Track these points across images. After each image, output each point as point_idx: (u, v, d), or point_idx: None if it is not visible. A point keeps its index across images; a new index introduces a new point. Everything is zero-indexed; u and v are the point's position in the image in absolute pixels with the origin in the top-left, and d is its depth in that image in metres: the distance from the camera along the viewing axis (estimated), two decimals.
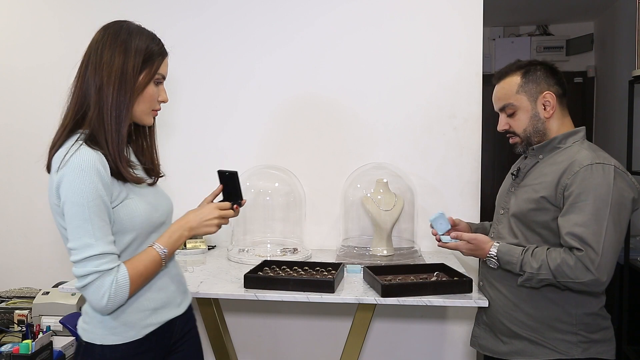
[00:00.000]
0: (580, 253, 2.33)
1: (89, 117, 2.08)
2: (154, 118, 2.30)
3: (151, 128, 2.35)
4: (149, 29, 2.26)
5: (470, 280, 2.87)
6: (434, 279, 3.03)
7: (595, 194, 2.36)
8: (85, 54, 2.21)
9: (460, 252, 2.75)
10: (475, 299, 2.77)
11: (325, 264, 3.29)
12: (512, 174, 2.81)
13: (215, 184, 2.46)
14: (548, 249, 2.46)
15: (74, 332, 3.31)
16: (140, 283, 2.10)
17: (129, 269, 2.04)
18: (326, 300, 2.85)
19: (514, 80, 2.65)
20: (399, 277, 3.06)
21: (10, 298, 3.93)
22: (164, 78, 2.26)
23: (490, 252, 2.60)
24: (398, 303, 2.82)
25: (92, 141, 2.04)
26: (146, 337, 2.16)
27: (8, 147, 4.47)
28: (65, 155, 1.99)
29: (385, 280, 2.93)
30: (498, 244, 2.60)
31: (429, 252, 3.77)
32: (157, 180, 2.34)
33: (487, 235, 2.81)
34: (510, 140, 2.74)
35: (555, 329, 2.52)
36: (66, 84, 4.08)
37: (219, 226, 2.35)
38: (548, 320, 2.54)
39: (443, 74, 3.99)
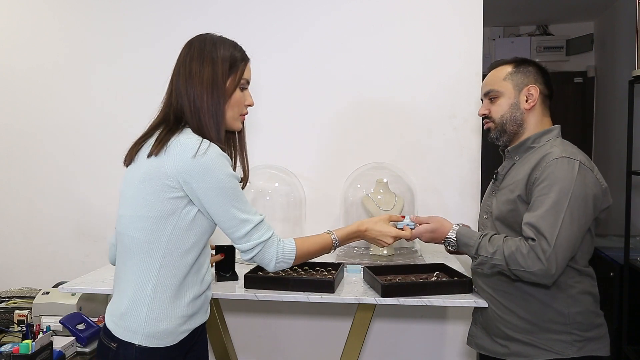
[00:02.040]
0: (533, 243, 2.37)
1: (192, 124, 2.20)
2: (243, 123, 2.42)
3: (241, 134, 2.46)
4: (230, 38, 2.36)
5: (470, 280, 2.87)
6: (434, 279, 3.03)
7: (557, 187, 2.40)
8: (174, 68, 2.30)
9: (420, 238, 2.81)
10: (475, 299, 2.77)
11: (325, 264, 3.29)
12: (492, 177, 2.86)
13: None
14: (506, 236, 2.51)
15: (74, 332, 3.31)
16: (305, 259, 2.43)
17: (299, 246, 2.36)
18: (326, 300, 2.85)
19: (505, 69, 2.75)
20: (399, 277, 3.06)
21: (10, 298, 3.92)
22: (248, 83, 2.37)
23: (449, 235, 2.67)
24: (398, 303, 2.82)
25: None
26: (179, 342, 2.21)
27: (8, 147, 4.48)
28: (200, 146, 2.09)
29: (385, 280, 2.92)
30: (458, 227, 2.68)
31: (429, 252, 3.77)
32: (246, 184, 2.46)
33: None
34: (485, 125, 2.83)
35: (549, 330, 2.53)
36: (66, 84, 4.08)
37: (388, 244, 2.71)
38: (541, 322, 2.54)
39: (443, 74, 3.99)
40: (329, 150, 4.13)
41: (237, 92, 2.29)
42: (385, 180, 3.78)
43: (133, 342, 2.13)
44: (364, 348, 3.87)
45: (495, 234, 2.55)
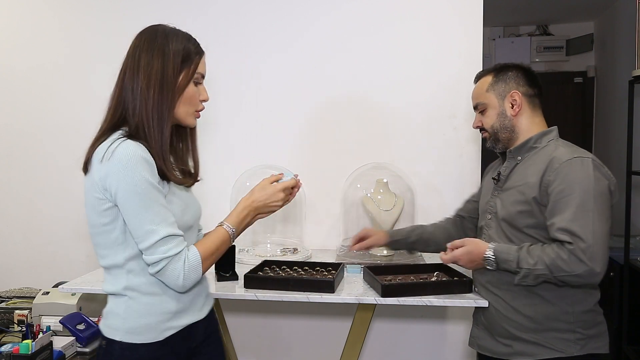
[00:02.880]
0: (571, 246, 2.36)
1: (131, 120, 2.12)
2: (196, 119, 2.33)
3: (192, 130, 2.37)
4: (184, 30, 2.28)
5: (471, 280, 2.88)
6: (434, 279, 3.03)
7: (579, 188, 2.41)
8: (124, 60, 2.21)
9: (458, 263, 2.74)
10: (475, 299, 2.77)
11: (325, 264, 3.30)
12: (494, 178, 2.84)
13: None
14: (543, 244, 2.49)
15: (74, 332, 3.31)
16: (212, 261, 2.22)
17: (200, 249, 2.15)
18: (326, 300, 2.86)
19: (486, 80, 2.82)
20: (399, 277, 3.07)
21: (10, 298, 3.92)
22: (202, 77, 2.29)
23: (487, 254, 2.60)
24: (398, 303, 2.82)
25: (135, 137, 2.07)
26: (166, 340, 2.16)
27: (8, 147, 4.48)
28: (108, 148, 2.01)
29: (385, 280, 2.93)
30: (493, 245, 2.61)
31: (428, 252, 3.77)
32: (195, 183, 2.38)
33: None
34: (482, 135, 2.90)
35: (553, 328, 2.54)
36: (66, 84, 4.09)
37: (281, 206, 2.45)
38: (546, 320, 2.55)
39: (443, 74, 4.00)
40: (328, 150, 4.14)
41: (191, 87, 2.21)
42: (385, 180, 3.79)
43: (115, 338, 2.13)
44: (364, 348, 3.87)
45: (531, 245, 2.52)
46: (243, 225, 2.34)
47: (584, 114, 7.50)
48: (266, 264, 3.31)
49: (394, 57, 4.06)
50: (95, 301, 3.68)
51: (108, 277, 2.20)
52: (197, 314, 2.31)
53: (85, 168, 2.13)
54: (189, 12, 4.20)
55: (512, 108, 2.71)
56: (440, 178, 4.04)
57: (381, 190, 3.76)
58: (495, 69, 2.82)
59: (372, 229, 3.51)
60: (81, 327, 3.35)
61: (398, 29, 4.05)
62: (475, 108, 2.87)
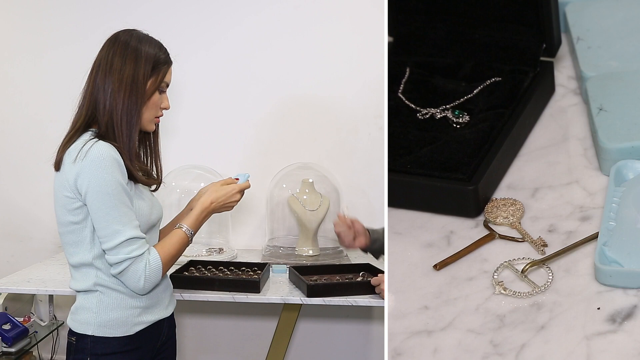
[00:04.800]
0: None
1: (101, 121, 2.13)
2: (157, 125, 2.35)
3: (155, 135, 2.40)
4: (156, 38, 2.29)
5: None
6: (359, 279, 3.06)
7: None
8: (95, 61, 2.20)
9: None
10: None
11: (251, 264, 3.32)
12: None
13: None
14: None
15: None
16: (171, 263, 2.23)
17: (160, 252, 2.15)
18: (252, 300, 2.89)
19: None
20: (324, 277, 3.11)
21: None
22: (167, 86, 2.31)
23: None
24: (324, 303, 2.86)
25: (105, 138, 2.09)
26: (136, 335, 2.19)
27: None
28: (82, 149, 2.01)
29: (310, 280, 2.96)
30: None
31: (354, 252, 3.80)
32: (159, 186, 2.43)
33: None
34: None
35: None
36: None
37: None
38: None
39: (368, 73, 4.02)
40: (254, 150, 4.16)
41: (156, 95, 2.23)
42: (310, 181, 3.82)
43: (87, 333, 2.14)
44: (289, 348, 3.90)
45: None
46: (200, 226, 2.38)
47: None
48: (192, 264, 3.30)
49: (318, 56, 4.10)
50: (21, 301, 3.66)
51: (77, 275, 2.21)
52: (164, 312, 2.35)
53: (57, 166, 2.11)
54: (115, 11, 4.17)
55: None
56: (366, 178, 4.08)
57: (307, 190, 3.79)
58: None
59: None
60: (7, 327, 3.33)
61: (322, 29, 4.09)
62: None
